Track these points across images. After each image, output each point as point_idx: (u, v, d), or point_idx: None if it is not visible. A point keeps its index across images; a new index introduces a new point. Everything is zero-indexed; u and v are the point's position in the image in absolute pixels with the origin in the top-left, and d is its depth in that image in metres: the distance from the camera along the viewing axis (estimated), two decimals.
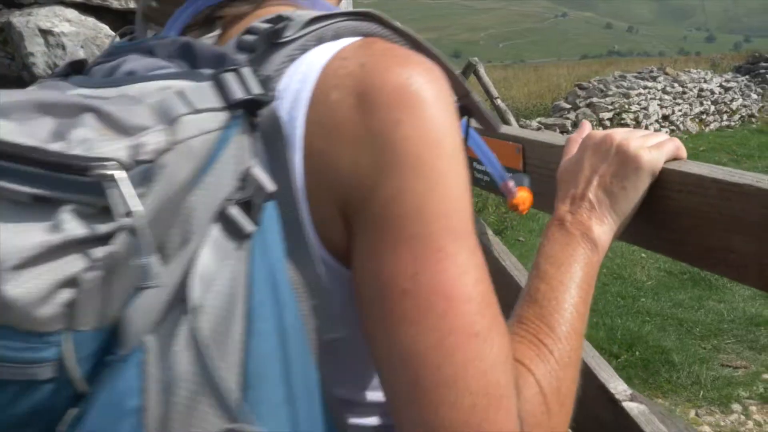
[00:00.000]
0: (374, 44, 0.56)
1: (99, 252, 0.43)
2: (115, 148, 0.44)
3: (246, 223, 0.48)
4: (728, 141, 10.66)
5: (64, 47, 1.84)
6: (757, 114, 13.28)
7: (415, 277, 0.50)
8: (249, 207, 0.48)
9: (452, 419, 0.48)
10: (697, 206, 0.70)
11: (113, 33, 1.96)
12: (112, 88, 0.51)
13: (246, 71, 0.50)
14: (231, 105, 0.49)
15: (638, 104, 10.58)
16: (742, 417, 3.25)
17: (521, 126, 8.31)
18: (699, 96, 12.21)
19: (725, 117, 12.68)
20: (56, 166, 0.43)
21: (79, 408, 0.45)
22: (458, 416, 0.48)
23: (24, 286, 0.42)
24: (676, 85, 11.85)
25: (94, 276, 0.43)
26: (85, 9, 1.93)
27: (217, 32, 0.62)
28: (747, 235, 0.65)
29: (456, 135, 0.54)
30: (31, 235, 0.43)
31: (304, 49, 0.55)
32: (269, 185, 0.49)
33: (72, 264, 0.43)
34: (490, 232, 1.49)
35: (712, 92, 12.52)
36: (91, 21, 1.92)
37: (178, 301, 0.46)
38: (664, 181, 0.73)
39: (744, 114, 13.06)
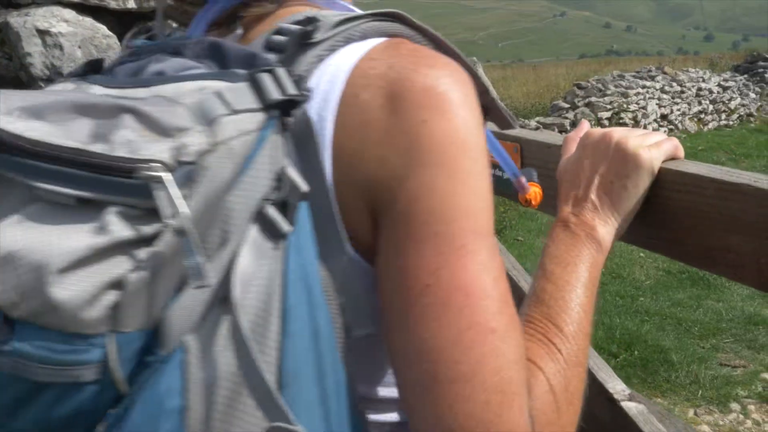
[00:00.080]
0: (402, 46, 0.57)
1: (144, 253, 0.44)
2: (159, 149, 0.45)
3: (283, 223, 0.49)
4: (726, 140, 10.67)
5: (61, 47, 1.84)
6: (755, 113, 13.29)
7: (436, 273, 0.51)
8: (284, 207, 0.49)
9: (466, 414, 0.49)
10: (695, 206, 0.70)
11: (111, 33, 1.96)
12: (143, 88, 0.51)
13: (281, 72, 0.51)
14: (267, 105, 0.49)
15: (637, 104, 10.58)
16: (741, 416, 3.25)
17: (520, 126, 8.29)
18: (697, 95, 12.22)
19: (723, 116, 12.69)
20: (101, 168, 0.44)
21: (118, 409, 0.45)
22: (472, 411, 0.49)
23: (71, 289, 0.42)
24: (674, 84, 11.85)
25: (139, 277, 0.44)
26: (83, 9, 1.92)
27: (239, 32, 0.62)
28: (745, 234, 0.65)
29: (480, 135, 0.56)
30: (77, 237, 0.43)
31: (332, 50, 0.56)
32: (303, 185, 0.50)
33: (118, 266, 0.43)
34: None
35: (711, 91, 12.53)
36: (88, 21, 1.92)
37: (218, 301, 0.47)
38: (662, 181, 0.73)
39: (742, 113, 13.07)
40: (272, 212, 0.48)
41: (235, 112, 0.48)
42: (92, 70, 0.62)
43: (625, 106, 10.22)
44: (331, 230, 0.55)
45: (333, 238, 0.55)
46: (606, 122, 9.68)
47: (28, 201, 0.44)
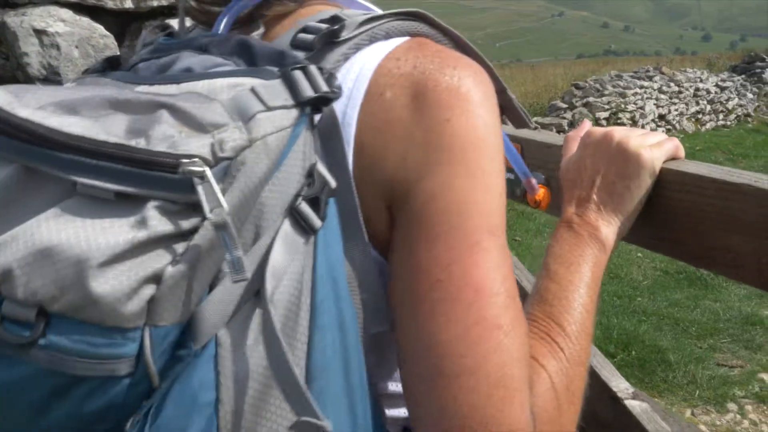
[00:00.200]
0: (426, 46, 0.59)
1: (181, 248, 0.44)
2: (200, 144, 0.45)
3: (315, 219, 0.50)
4: (724, 140, 10.68)
5: (58, 47, 1.83)
6: (752, 113, 13.31)
7: (448, 268, 0.52)
8: (314, 202, 0.50)
9: (470, 406, 0.50)
10: (696, 206, 0.70)
11: (108, 33, 1.95)
12: (172, 84, 0.52)
13: (313, 69, 0.51)
14: (300, 102, 0.50)
15: (635, 104, 10.59)
16: (738, 416, 3.25)
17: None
18: (695, 95, 12.23)
19: (721, 116, 12.71)
20: (143, 163, 0.44)
21: (150, 403, 0.46)
22: (475, 404, 0.50)
23: (111, 283, 0.42)
24: (672, 84, 11.86)
25: (177, 271, 0.44)
26: (80, 9, 1.92)
27: (261, 30, 0.63)
28: (745, 234, 0.65)
29: (498, 135, 0.57)
30: (117, 232, 0.43)
31: (357, 48, 0.58)
32: (332, 181, 0.51)
33: (156, 260, 0.44)
34: None
35: (708, 92, 12.54)
36: (85, 21, 1.91)
37: (250, 296, 0.47)
38: (663, 181, 0.73)
39: (740, 113, 13.08)
40: (305, 208, 0.49)
41: (271, 108, 0.48)
42: (111, 66, 0.63)
43: (622, 106, 10.23)
44: (354, 226, 0.56)
45: (355, 235, 0.56)
46: (604, 122, 9.69)
47: (64, 195, 0.45)
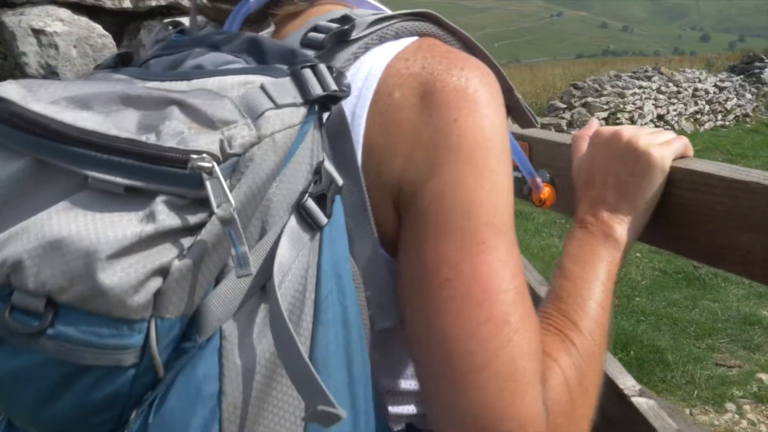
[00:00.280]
0: (434, 47, 0.60)
1: (188, 242, 0.45)
2: (209, 141, 0.46)
3: (321, 216, 0.50)
4: (723, 141, 10.69)
5: (56, 47, 1.83)
6: (751, 114, 13.32)
7: (457, 267, 0.53)
8: (321, 200, 0.51)
9: (481, 401, 0.51)
10: (705, 204, 0.71)
11: (106, 33, 1.95)
12: (183, 81, 0.53)
13: (322, 68, 0.52)
14: (309, 100, 0.51)
15: (633, 104, 10.60)
16: (736, 416, 3.25)
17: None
18: (694, 95, 12.24)
19: (720, 116, 12.72)
20: (153, 158, 0.45)
21: (154, 394, 0.47)
22: (487, 399, 0.51)
23: (118, 275, 0.43)
24: (671, 84, 11.88)
25: (183, 265, 0.45)
26: (78, 9, 1.92)
27: (271, 28, 0.64)
28: (755, 231, 0.66)
29: (505, 135, 0.58)
30: (126, 225, 0.44)
31: (367, 48, 0.59)
32: (339, 178, 0.52)
33: (164, 254, 0.45)
34: None
35: (707, 92, 12.55)
36: (84, 20, 1.91)
37: (256, 290, 0.48)
38: (672, 179, 0.73)
39: (738, 114, 13.10)
40: (311, 204, 0.50)
41: (280, 106, 0.49)
42: (122, 62, 0.64)
43: (621, 106, 10.24)
44: (363, 224, 0.57)
45: (365, 232, 0.57)
46: (602, 122, 9.67)
47: (75, 189, 0.46)
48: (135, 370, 0.46)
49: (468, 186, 0.54)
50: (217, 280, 0.47)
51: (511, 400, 0.51)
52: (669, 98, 11.60)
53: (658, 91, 11.47)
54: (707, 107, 12.49)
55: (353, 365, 0.52)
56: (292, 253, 0.49)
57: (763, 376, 3.59)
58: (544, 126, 9.11)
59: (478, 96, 0.57)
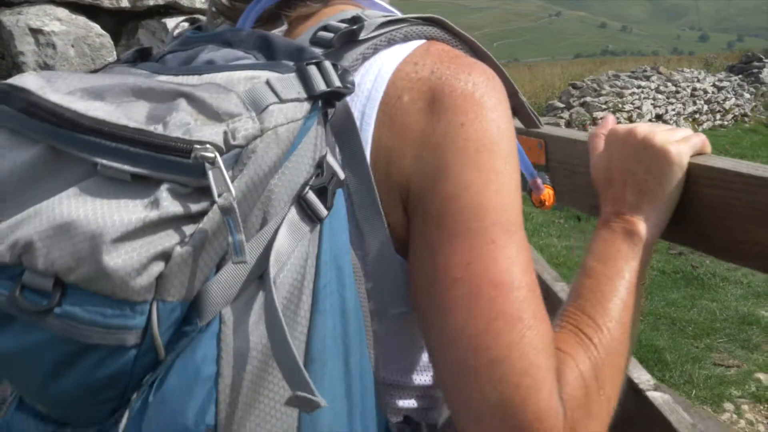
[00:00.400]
0: (442, 51, 0.62)
1: (190, 229, 0.47)
2: (213, 132, 0.48)
3: (321, 208, 0.52)
4: (721, 140, 10.70)
5: (54, 46, 1.83)
6: (749, 113, 13.34)
7: (468, 267, 0.54)
8: (322, 193, 0.52)
9: (498, 394, 0.52)
10: (723, 200, 0.71)
11: (104, 32, 1.95)
12: (195, 75, 0.55)
13: (327, 65, 0.54)
14: (313, 96, 0.52)
15: (632, 103, 10.60)
16: (734, 416, 3.26)
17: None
18: (692, 95, 12.25)
19: (718, 116, 12.73)
20: (159, 148, 0.47)
21: (155, 374, 0.49)
22: (503, 393, 0.52)
23: (122, 258, 0.45)
24: (669, 84, 11.88)
25: (184, 251, 0.47)
26: (76, 8, 1.91)
27: (284, 27, 0.65)
28: None
29: (511, 137, 0.60)
30: (131, 210, 0.46)
31: (375, 49, 0.61)
32: (341, 173, 0.54)
33: (166, 239, 0.47)
34: None
35: (705, 92, 12.57)
36: (81, 20, 1.91)
37: (255, 278, 0.50)
38: (690, 175, 0.73)
39: (737, 113, 13.11)
40: (311, 197, 0.52)
41: (284, 100, 0.51)
42: (141, 57, 0.66)
43: (620, 106, 10.24)
44: (374, 218, 0.58)
45: (375, 225, 0.59)
46: (601, 122, 9.68)
47: (85, 175, 0.48)
48: (137, 350, 0.47)
49: (475, 188, 0.56)
50: (219, 267, 0.49)
51: (527, 394, 0.52)
52: (667, 98, 11.61)
53: (657, 90, 11.47)
54: (706, 107, 12.50)
55: (350, 355, 0.54)
56: (291, 243, 0.50)
57: (761, 375, 3.59)
58: None
59: (484, 100, 0.58)
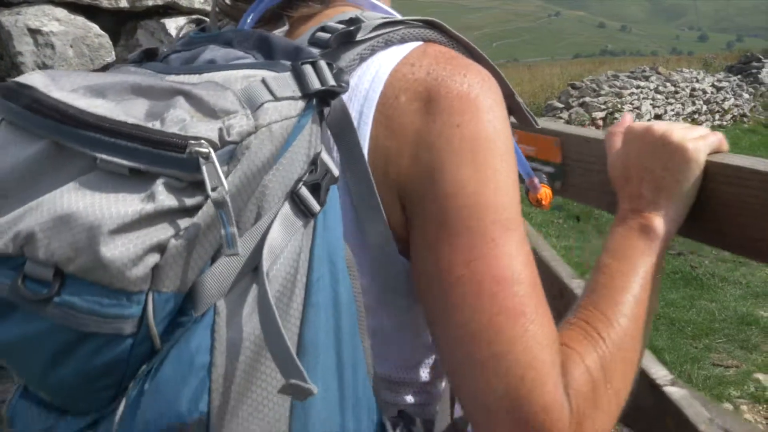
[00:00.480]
0: (439, 53, 0.63)
1: (185, 222, 0.49)
2: (208, 128, 0.49)
3: (314, 203, 0.53)
4: None
5: (53, 47, 1.83)
6: (748, 114, 13.35)
7: (469, 265, 0.56)
8: (316, 189, 0.54)
9: (503, 389, 0.54)
10: (739, 197, 0.71)
11: (103, 32, 1.94)
12: (195, 74, 0.56)
13: (322, 64, 0.55)
14: (307, 94, 0.54)
15: (631, 104, 10.61)
16: None
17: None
18: (691, 96, 12.26)
19: (717, 117, 12.74)
20: (156, 143, 0.48)
21: (151, 364, 0.50)
22: (508, 386, 0.54)
23: (119, 249, 0.46)
24: (668, 84, 11.89)
25: (179, 243, 0.48)
26: (75, 8, 1.91)
27: (285, 28, 0.67)
28: None
29: (507, 136, 0.61)
30: (128, 203, 0.48)
31: (372, 51, 0.62)
32: (335, 170, 0.55)
33: (161, 231, 0.48)
34: None
35: (705, 92, 12.57)
36: (80, 20, 1.91)
37: (248, 270, 0.52)
38: (707, 173, 0.74)
39: (736, 114, 13.12)
40: (304, 192, 0.53)
41: (278, 98, 0.52)
42: (147, 57, 0.68)
43: (619, 106, 10.24)
44: (374, 214, 0.59)
45: (375, 220, 0.60)
46: (600, 122, 9.70)
47: (86, 170, 0.50)
48: (133, 339, 0.49)
49: (473, 187, 0.57)
50: (214, 260, 0.51)
51: (532, 386, 0.53)
52: (666, 98, 11.62)
53: (656, 91, 11.48)
54: (705, 107, 12.51)
55: (343, 349, 0.55)
56: (284, 237, 0.52)
57: (760, 376, 3.60)
58: None
59: (480, 101, 0.59)
